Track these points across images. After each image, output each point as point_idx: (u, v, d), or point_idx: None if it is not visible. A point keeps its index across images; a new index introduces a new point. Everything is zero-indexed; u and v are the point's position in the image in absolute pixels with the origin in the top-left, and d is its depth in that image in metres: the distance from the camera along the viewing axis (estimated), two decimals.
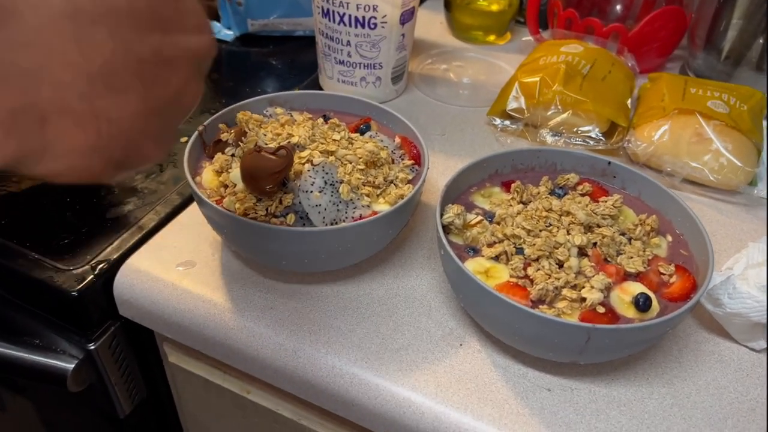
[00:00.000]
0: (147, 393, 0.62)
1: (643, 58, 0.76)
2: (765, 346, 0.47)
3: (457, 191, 0.51)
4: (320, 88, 0.74)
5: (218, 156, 0.50)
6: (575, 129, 0.65)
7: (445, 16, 0.89)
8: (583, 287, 0.43)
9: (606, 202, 0.49)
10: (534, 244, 0.45)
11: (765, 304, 0.45)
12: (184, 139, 0.57)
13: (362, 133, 0.54)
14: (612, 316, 0.42)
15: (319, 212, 0.45)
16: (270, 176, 0.43)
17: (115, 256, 0.52)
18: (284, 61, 0.82)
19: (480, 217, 0.48)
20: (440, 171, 0.62)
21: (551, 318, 0.39)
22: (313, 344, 0.46)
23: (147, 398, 0.62)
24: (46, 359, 0.55)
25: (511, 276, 0.44)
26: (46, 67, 0.21)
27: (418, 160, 0.53)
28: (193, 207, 0.57)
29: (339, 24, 0.65)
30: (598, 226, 0.47)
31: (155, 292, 0.50)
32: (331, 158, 0.48)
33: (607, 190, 0.53)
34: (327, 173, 0.47)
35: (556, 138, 0.66)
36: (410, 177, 0.51)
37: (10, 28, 0.20)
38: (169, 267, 0.51)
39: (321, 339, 0.46)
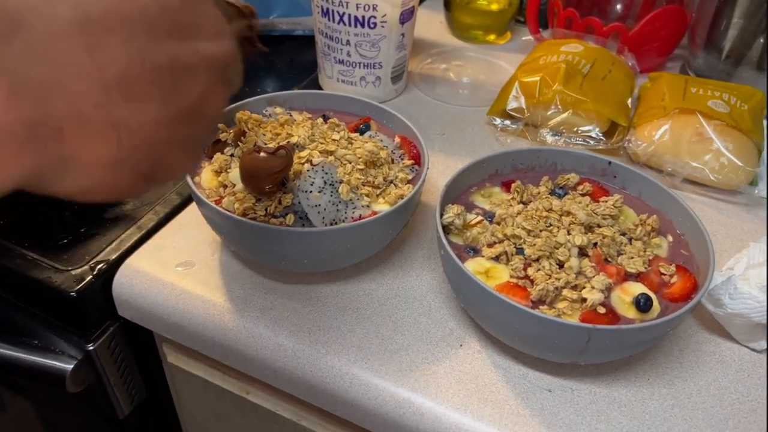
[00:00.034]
0: (146, 393, 0.62)
1: (644, 58, 0.76)
2: (766, 346, 0.47)
3: (457, 191, 0.51)
4: (320, 88, 0.74)
5: (217, 156, 0.50)
6: (575, 129, 0.65)
7: (445, 16, 0.89)
8: (584, 288, 0.42)
9: (606, 202, 0.49)
10: (534, 245, 0.45)
11: (766, 304, 0.44)
12: None
13: (362, 133, 0.54)
14: (612, 316, 0.42)
15: (318, 212, 0.45)
16: (269, 176, 0.43)
17: (114, 257, 0.52)
18: (283, 60, 0.82)
19: (480, 217, 0.48)
20: (440, 171, 0.62)
21: (552, 318, 0.39)
22: (312, 345, 0.45)
23: (146, 399, 0.62)
24: (44, 360, 0.55)
25: (511, 276, 0.44)
26: (59, 78, 0.20)
27: (417, 159, 0.53)
28: (193, 207, 0.57)
29: (338, 23, 0.65)
30: (599, 226, 0.47)
31: (154, 292, 0.49)
32: (331, 158, 0.48)
33: (608, 190, 0.52)
34: (326, 173, 0.46)
35: (557, 138, 0.66)
36: (410, 177, 0.51)
37: (20, 40, 0.19)
38: (169, 267, 0.51)
39: (321, 339, 0.46)
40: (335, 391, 0.44)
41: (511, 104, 0.67)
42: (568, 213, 0.47)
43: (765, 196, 0.61)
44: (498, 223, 0.48)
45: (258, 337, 0.46)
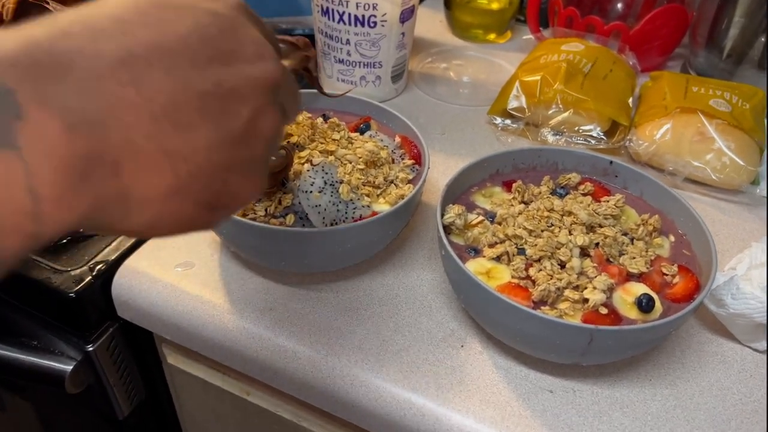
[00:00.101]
0: (146, 394, 0.62)
1: (645, 57, 0.76)
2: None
3: (458, 191, 0.50)
4: None
5: None
6: (576, 128, 0.65)
7: (445, 15, 0.89)
8: (586, 288, 0.42)
9: (608, 201, 0.49)
10: (536, 245, 0.45)
11: (767, 304, 0.44)
12: None
13: (362, 133, 0.54)
14: (614, 317, 0.41)
15: (318, 212, 0.45)
16: (269, 176, 0.43)
17: (113, 257, 0.52)
18: None
19: (481, 217, 0.48)
20: (441, 171, 0.62)
21: (553, 319, 0.39)
22: (313, 345, 0.45)
23: (146, 400, 0.62)
24: (44, 360, 0.54)
25: (512, 277, 0.44)
26: (110, 111, 0.21)
27: (418, 159, 0.52)
28: None
29: (338, 22, 0.65)
30: (600, 226, 0.47)
31: (154, 293, 0.49)
32: (331, 158, 0.48)
33: (609, 189, 0.52)
34: (327, 173, 0.46)
35: (558, 137, 0.65)
36: (410, 177, 0.51)
37: (71, 79, 0.20)
38: (168, 268, 0.51)
39: (321, 340, 0.46)
40: (336, 392, 0.44)
41: (512, 103, 0.66)
42: (570, 213, 0.47)
43: (767, 195, 0.61)
44: (499, 223, 0.48)
45: (258, 338, 0.46)
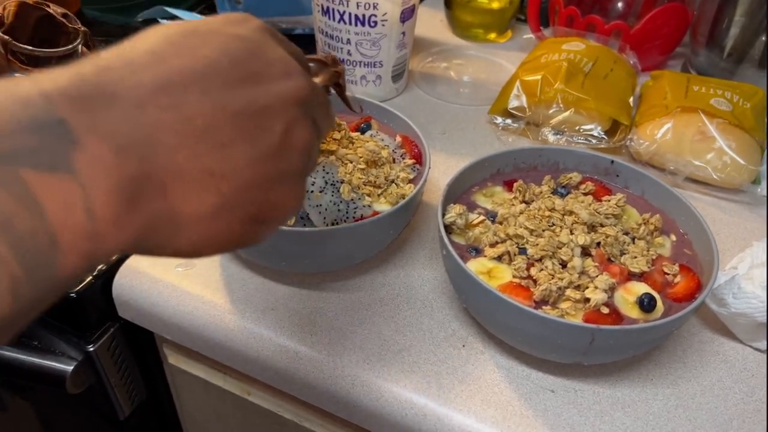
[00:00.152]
0: (147, 395, 0.62)
1: (645, 56, 0.76)
2: None
3: (459, 191, 0.50)
4: None
5: None
6: (577, 127, 0.65)
7: (446, 14, 0.89)
8: (587, 287, 0.42)
9: (609, 201, 0.49)
10: (537, 244, 0.45)
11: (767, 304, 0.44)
12: None
13: (363, 132, 0.54)
14: (616, 316, 0.41)
15: (319, 212, 0.45)
16: None
17: (114, 257, 0.52)
18: None
19: (482, 217, 0.48)
20: (441, 170, 0.62)
21: (555, 319, 0.39)
22: (314, 345, 0.45)
23: (147, 400, 0.62)
24: (45, 361, 0.54)
25: (513, 276, 0.44)
26: (153, 135, 0.22)
27: (419, 159, 0.52)
28: None
29: (339, 22, 0.65)
30: (602, 226, 0.46)
31: (155, 293, 0.49)
32: (332, 158, 0.48)
33: (610, 189, 0.52)
34: (327, 173, 0.46)
35: (558, 136, 0.65)
36: (411, 176, 0.51)
37: (116, 107, 0.22)
38: (169, 268, 0.50)
39: (322, 340, 0.45)
40: (337, 392, 0.44)
41: (513, 103, 0.66)
42: (571, 212, 0.47)
43: (767, 194, 0.60)
44: (500, 223, 0.47)
45: (259, 338, 0.46)
